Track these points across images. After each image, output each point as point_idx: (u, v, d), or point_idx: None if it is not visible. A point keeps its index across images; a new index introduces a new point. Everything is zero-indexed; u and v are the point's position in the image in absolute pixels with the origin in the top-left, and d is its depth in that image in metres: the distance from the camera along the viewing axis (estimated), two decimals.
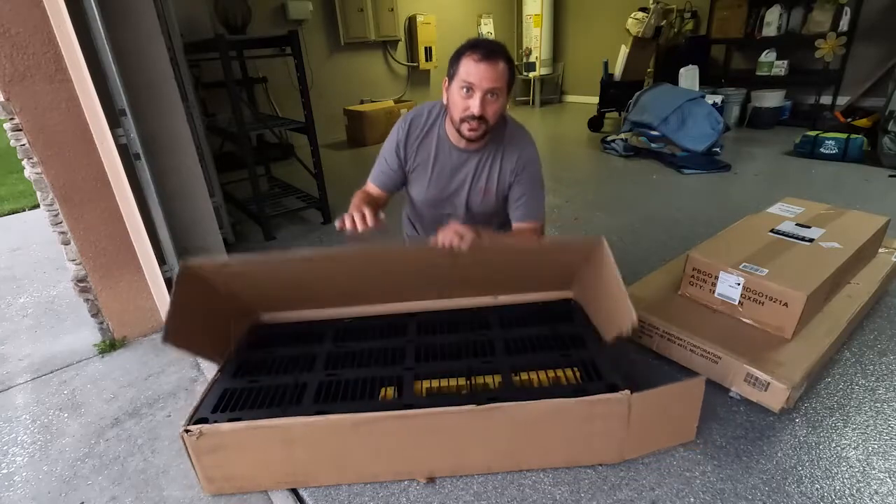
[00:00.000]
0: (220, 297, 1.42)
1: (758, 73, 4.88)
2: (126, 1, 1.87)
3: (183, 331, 1.25)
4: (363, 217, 1.20)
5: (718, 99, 4.33)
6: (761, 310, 1.50)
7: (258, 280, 1.45)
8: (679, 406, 1.25)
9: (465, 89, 1.22)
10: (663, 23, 5.19)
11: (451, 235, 1.19)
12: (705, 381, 1.21)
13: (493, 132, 1.34)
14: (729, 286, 1.56)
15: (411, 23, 5.96)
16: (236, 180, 3.56)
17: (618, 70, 5.20)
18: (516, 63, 7.22)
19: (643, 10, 5.15)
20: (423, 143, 1.39)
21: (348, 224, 1.20)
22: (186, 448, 1.16)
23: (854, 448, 1.26)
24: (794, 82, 4.77)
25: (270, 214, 2.97)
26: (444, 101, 1.33)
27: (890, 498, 1.12)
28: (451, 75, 1.28)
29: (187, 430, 1.14)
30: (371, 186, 1.46)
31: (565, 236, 1.44)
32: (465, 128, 1.27)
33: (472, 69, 1.20)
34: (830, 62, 4.47)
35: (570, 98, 7.40)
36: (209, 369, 1.72)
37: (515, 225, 1.45)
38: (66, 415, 1.61)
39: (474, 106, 1.22)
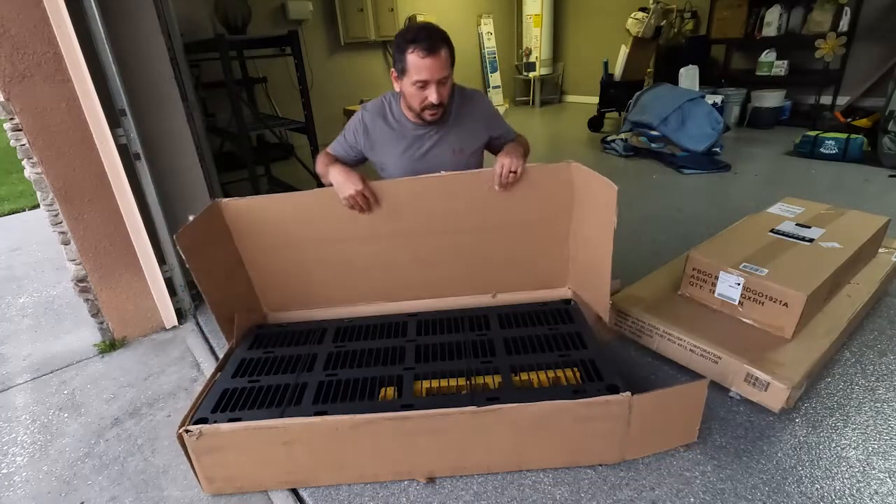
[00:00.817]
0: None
1: (758, 73, 4.88)
2: (126, 1, 1.87)
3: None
4: (368, 200, 1.43)
5: (718, 99, 4.32)
6: (761, 310, 1.50)
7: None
8: (681, 408, 1.25)
9: (419, 86, 1.35)
10: (663, 23, 5.19)
11: (510, 165, 1.41)
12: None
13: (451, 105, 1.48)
14: (729, 286, 1.56)
15: (411, 23, 5.96)
16: (236, 180, 3.56)
17: (618, 70, 5.20)
18: (516, 63, 7.25)
19: (643, 10, 5.15)
20: (380, 126, 1.53)
21: (358, 206, 1.42)
22: (185, 449, 1.16)
23: (854, 448, 1.26)
24: (794, 82, 4.77)
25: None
26: (398, 90, 1.45)
27: (890, 498, 1.12)
28: (399, 70, 1.37)
29: (187, 431, 1.14)
30: (326, 152, 1.60)
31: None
32: (426, 115, 1.41)
33: (421, 66, 1.31)
34: (830, 62, 4.47)
35: (570, 98, 7.40)
36: (209, 369, 1.72)
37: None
38: (66, 415, 1.61)
39: (431, 96, 1.34)
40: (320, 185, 3.17)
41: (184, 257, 1.34)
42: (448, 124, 1.52)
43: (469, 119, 1.53)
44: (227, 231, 1.53)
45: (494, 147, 1.62)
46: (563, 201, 1.55)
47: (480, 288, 1.70)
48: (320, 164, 1.56)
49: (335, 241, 1.58)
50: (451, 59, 1.36)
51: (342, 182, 1.43)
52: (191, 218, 1.38)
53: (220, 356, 1.52)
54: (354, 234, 1.55)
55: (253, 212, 1.53)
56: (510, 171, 1.43)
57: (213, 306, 1.45)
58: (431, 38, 1.29)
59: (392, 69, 1.42)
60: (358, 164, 1.61)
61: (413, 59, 1.30)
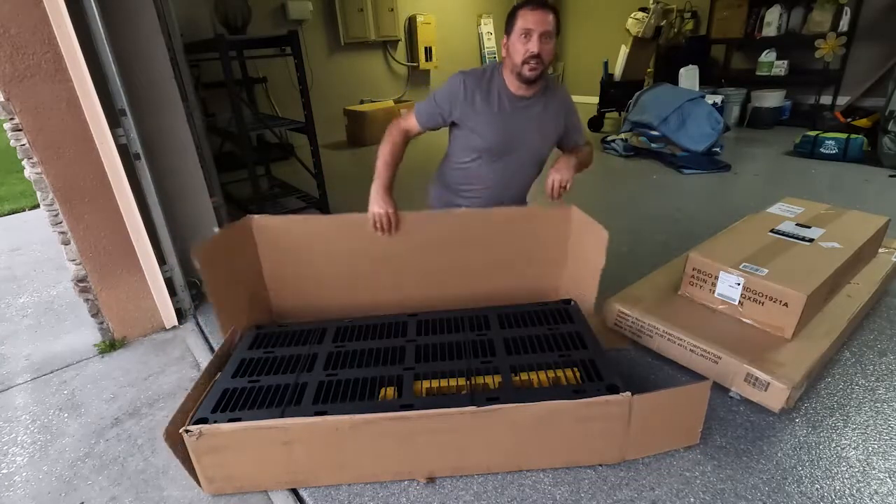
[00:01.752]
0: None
1: (758, 73, 4.88)
2: (126, 1, 1.87)
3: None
4: (389, 224, 1.58)
5: (718, 99, 4.32)
6: (761, 310, 1.50)
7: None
8: (683, 409, 1.25)
9: (524, 35, 1.44)
10: (663, 23, 5.19)
11: (557, 180, 1.56)
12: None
13: (543, 79, 1.56)
14: (729, 286, 1.56)
15: (411, 23, 5.96)
16: (236, 180, 3.56)
17: (618, 70, 5.20)
18: None
19: (643, 10, 5.15)
20: (484, 96, 1.56)
21: (379, 227, 1.58)
22: (175, 450, 1.16)
23: (854, 448, 1.26)
24: (794, 82, 4.77)
25: (271, 214, 2.96)
26: (504, 54, 1.54)
27: (890, 498, 1.12)
28: (508, 30, 1.51)
29: (187, 431, 1.14)
30: (412, 122, 1.63)
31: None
32: (526, 69, 1.47)
33: (528, 17, 1.44)
34: (830, 62, 4.47)
35: None
36: None
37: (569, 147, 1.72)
38: (66, 415, 1.61)
39: (533, 46, 1.44)
40: (320, 184, 3.16)
41: (199, 268, 1.46)
42: (541, 98, 1.60)
43: (554, 102, 1.62)
44: (252, 243, 1.67)
45: (564, 143, 1.72)
46: (561, 240, 1.72)
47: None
48: (386, 141, 1.61)
49: (350, 262, 1.72)
50: (556, 25, 1.49)
51: (376, 199, 1.58)
52: (216, 230, 1.52)
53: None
54: (369, 255, 1.70)
55: (279, 229, 1.69)
56: (560, 186, 1.57)
57: (219, 313, 1.55)
58: (540, 1, 1.47)
59: (504, 38, 1.54)
60: (434, 129, 1.66)
61: (522, 12, 1.45)
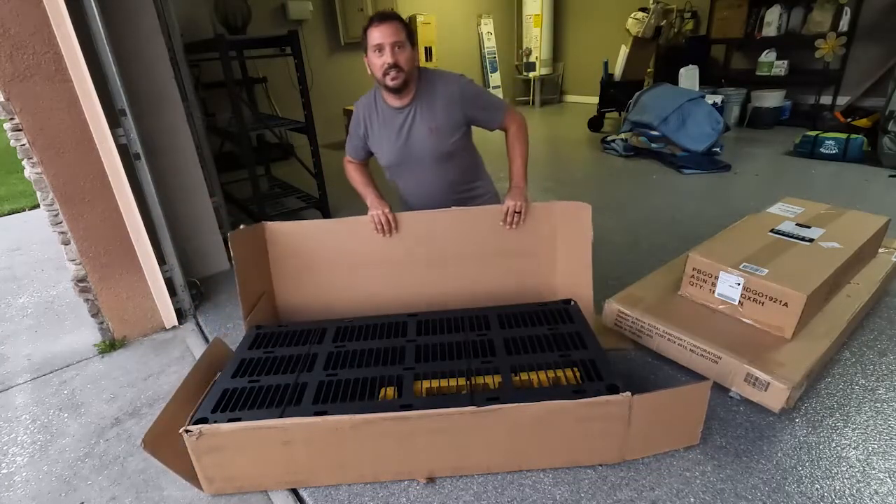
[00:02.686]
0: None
1: (758, 73, 4.88)
2: (126, 1, 1.87)
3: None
4: (389, 224, 1.68)
5: (718, 99, 4.32)
6: (761, 310, 1.50)
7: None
8: (683, 409, 1.25)
9: (377, 50, 1.52)
10: (663, 23, 5.19)
11: (511, 206, 1.64)
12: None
13: (415, 84, 1.62)
14: (729, 286, 1.56)
15: (411, 23, 5.95)
16: (236, 180, 3.56)
17: (618, 70, 5.20)
18: (516, 63, 7.25)
19: (643, 10, 5.15)
20: (373, 115, 1.69)
21: (379, 230, 1.69)
22: (158, 457, 1.15)
23: (854, 448, 1.26)
24: (794, 82, 4.77)
25: (270, 214, 2.97)
26: (371, 73, 1.61)
27: (890, 498, 1.12)
28: (364, 48, 1.58)
29: (187, 431, 1.14)
30: (347, 158, 1.82)
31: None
32: (388, 80, 1.53)
33: (376, 32, 1.51)
34: (830, 62, 4.47)
35: (570, 98, 7.39)
36: None
37: (496, 129, 1.75)
38: (66, 415, 1.61)
39: (387, 58, 1.51)
40: (320, 184, 3.17)
41: (231, 252, 1.60)
42: (419, 101, 1.63)
43: (441, 97, 1.63)
44: (264, 248, 1.77)
45: (484, 126, 1.74)
46: (548, 233, 1.75)
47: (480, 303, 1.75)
48: (349, 173, 1.82)
49: (352, 261, 1.79)
50: (406, 32, 1.54)
51: (373, 203, 1.70)
52: (242, 227, 1.66)
53: (227, 353, 1.53)
54: (371, 256, 1.77)
55: (289, 234, 1.77)
56: (514, 212, 1.66)
57: (244, 292, 1.64)
58: (383, 14, 1.54)
59: (364, 57, 1.61)
60: (368, 157, 1.82)
61: (370, 29, 1.53)
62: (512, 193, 1.68)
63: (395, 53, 1.51)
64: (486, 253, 1.77)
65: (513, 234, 1.73)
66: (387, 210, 1.68)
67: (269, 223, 1.76)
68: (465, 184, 1.81)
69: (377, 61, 1.53)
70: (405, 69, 1.53)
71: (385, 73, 1.53)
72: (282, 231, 1.76)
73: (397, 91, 1.58)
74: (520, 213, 1.66)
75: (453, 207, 1.74)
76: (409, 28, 1.56)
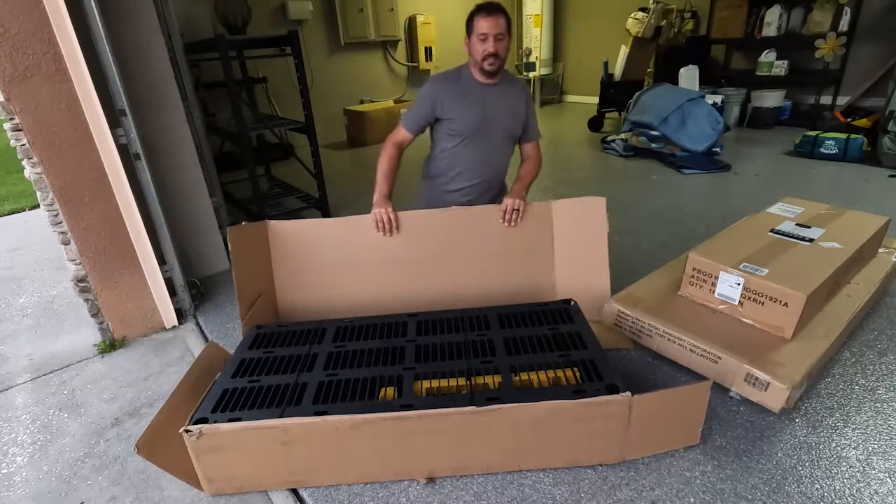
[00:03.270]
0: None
1: (758, 73, 4.88)
2: (126, 1, 1.87)
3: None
4: (390, 223, 1.75)
5: (718, 99, 4.32)
6: (761, 310, 1.50)
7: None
8: (683, 409, 1.25)
9: (481, 38, 1.70)
10: (663, 23, 5.19)
11: (510, 204, 1.75)
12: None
13: (501, 72, 1.81)
14: (729, 286, 1.56)
15: (411, 23, 5.96)
16: (236, 180, 3.56)
17: (618, 70, 5.20)
18: (516, 63, 7.24)
19: (643, 10, 5.15)
20: (456, 90, 1.82)
21: (381, 229, 1.75)
22: (152, 460, 1.15)
23: (854, 448, 1.26)
24: (794, 82, 4.77)
25: (270, 214, 2.97)
26: (468, 52, 1.79)
27: (890, 498, 1.12)
28: (469, 32, 1.75)
29: (187, 431, 1.14)
30: (403, 133, 1.85)
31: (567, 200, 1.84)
32: (486, 64, 1.73)
33: (483, 23, 1.69)
34: (830, 62, 4.47)
35: (570, 98, 7.39)
36: None
37: (526, 145, 1.96)
38: (66, 415, 1.61)
39: (489, 47, 1.70)
40: (320, 184, 3.16)
41: (230, 247, 1.63)
42: (502, 85, 1.83)
43: (515, 91, 1.87)
44: (266, 246, 1.79)
45: (522, 135, 1.93)
46: (546, 232, 1.83)
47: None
48: (384, 154, 1.82)
49: (353, 262, 1.83)
50: (508, 25, 1.71)
51: (378, 201, 1.76)
52: (244, 223, 1.71)
53: (223, 355, 1.53)
54: (372, 254, 1.81)
55: (292, 232, 1.81)
56: (514, 210, 1.76)
57: (241, 288, 1.65)
58: (492, 5, 1.70)
59: (465, 38, 1.78)
60: (421, 132, 1.90)
61: (478, 18, 1.70)
62: (511, 193, 1.80)
63: (496, 44, 1.69)
64: (489, 251, 1.82)
65: (517, 232, 1.80)
66: (389, 209, 1.74)
67: (272, 221, 1.78)
68: (504, 174, 2.01)
69: (479, 47, 1.71)
70: (502, 57, 1.73)
71: (484, 59, 1.71)
72: (283, 229, 1.78)
73: (491, 75, 1.77)
74: (518, 210, 1.76)
75: (453, 207, 1.83)
76: (509, 20, 1.73)
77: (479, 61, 1.74)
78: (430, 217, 1.80)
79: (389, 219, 1.74)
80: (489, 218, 1.79)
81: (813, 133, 3.77)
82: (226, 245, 2.49)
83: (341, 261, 1.81)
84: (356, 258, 1.81)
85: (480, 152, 1.88)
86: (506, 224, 1.78)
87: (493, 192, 1.99)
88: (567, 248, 1.82)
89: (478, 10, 1.71)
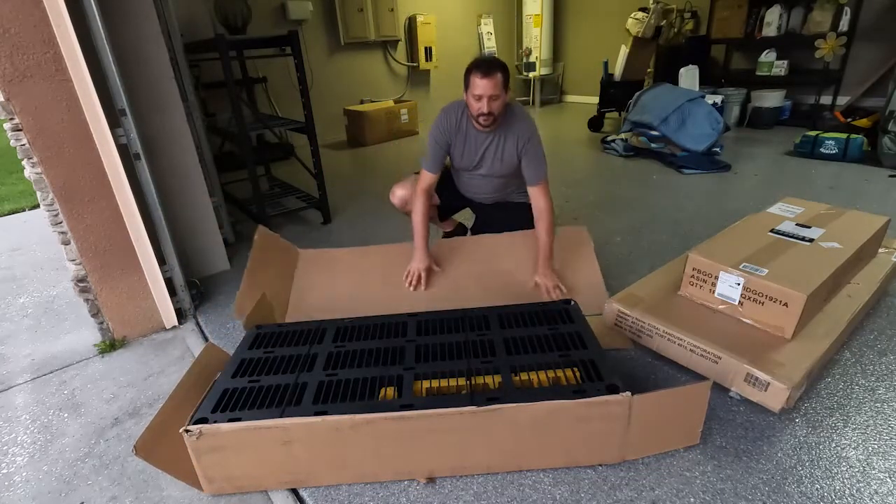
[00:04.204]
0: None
1: (758, 73, 4.88)
2: (126, 1, 1.87)
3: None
4: (420, 282, 1.96)
5: (718, 99, 4.32)
6: (761, 310, 1.50)
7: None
8: (683, 409, 1.25)
9: (476, 98, 1.76)
10: (663, 23, 5.18)
11: (551, 286, 1.90)
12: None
13: (499, 120, 1.87)
14: (729, 286, 1.56)
15: (411, 23, 5.96)
16: (236, 180, 3.56)
17: (618, 70, 5.20)
18: (516, 63, 7.24)
19: (643, 10, 5.15)
20: (457, 130, 1.94)
21: (410, 284, 1.97)
22: (150, 461, 1.15)
23: (854, 448, 1.26)
24: (794, 82, 4.77)
25: (270, 214, 2.97)
26: (465, 102, 1.86)
27: (890, 498, 1.13)
28: (465, 87, 1.81)
29: (187, 431, 1.14)
30: (427, 177, 1.99)
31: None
32: (480, 120, 1.82)
33: (478, 84, 1.73)
34: (830, 62, 4.47)
35: (570, 98, 7.39)
36: None
37: (529, 188, 1.97)
38: (66, 415, 1.61)
39: (483, 107, 1.77)
40: (320, 184, 3.17)
41: (254, 245, 1.83)
42: (497, 134, 1.91)
43: (512, 137, 1.90)
44: (290, 270, 2.02)
45: (524, 174, 1.96)
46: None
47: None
48: (418, 203, 1.98)
49: (365, 283, 2.01)
50: (504, 82, 1.76)
51: (419, 258, 1.98)
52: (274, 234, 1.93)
53: (222, 356, 1.53)
54: (387, 278, 2.00)
55: (320, 260, 2.06)
56: (555, 288, 1.89)
57: (246, 288, 1.76)
58: (489, 63, 1.74)
59: (464, 89, 1.83)
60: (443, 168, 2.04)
61: (473, 79, 1.74)
62: (542, 272, 1.92)
63: (490, 104, 1.75)
64: (491, 270, 2.02)
65: (518, 259, 2.02)
66: (424, 269, 1.95)
67: (303, 250, 2.05)
68: (511, 187, 2.11)
69: (474, 104, 1.78)
70: (495, 114, 1.80)
71: (479, 116, 1.80)
72: (314, 258, 2.05)
73: (485, 127, 1.85)
74: (559, 287, 1.89)
75: (473, 236, 2.16)
76: (507, 76, 1.77)
77: (474, 116, 1.81)
78: (449, 245, 2.07)
79: (420, 279, 1.93)
80: (500, 244, 2.05)
81: (813, 133, 3.77)
82: (226, 245, 2.50)
83: (356, 283, 2.00)
84: (371, 281, 1.99)
85: (474, 182, 2.06)
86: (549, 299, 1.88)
87: (508, 192, 2.12)
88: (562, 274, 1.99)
89: (475, 68, 1.74)
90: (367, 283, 2.01)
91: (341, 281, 2.03)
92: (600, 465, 1.24)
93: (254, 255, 1.86)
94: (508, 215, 2.11)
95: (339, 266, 2.09)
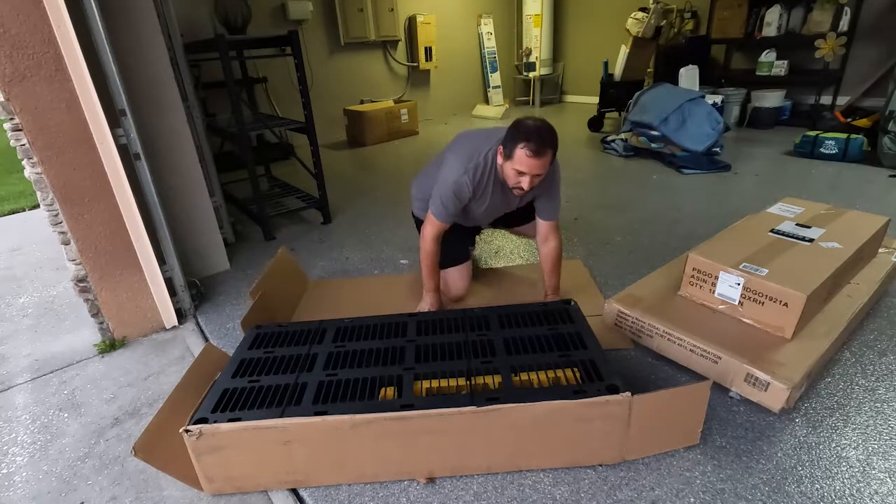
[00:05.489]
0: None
1: (758, 73, 4.88)
2: (126, 1, 1.87)
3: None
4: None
5: (718, 99, 4.32)
6: (761, 310, 1.50)
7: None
8: (683, 409, 1.25)
9: (518, 173, 1.57)
10: (663, 23, 5.19)
11: None
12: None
13: None
14: (729, 286, 1.56)
15: (411, 23, 5.96)
16: (236, 180, 3.56)
17: (618, 70, 5.20)
18: (516, 63, 7.25)
19: (643, 10, 5.14)
20: (484, 189, 1.76)
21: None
22: (149, 462, 1.15)
23: (854, 448, 1.26)
24: (794, 82, 4.77)
25: (270, 214, 2.97)
26: (499, 164, 1.67)
27: (890, 498, 1.12)
28: (506, 155, 1.59)
29: (187, 431, 1.14)
30: (439, 225, 1.79)
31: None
32: (515, 191, 1.66)
33: (525, 162, 1.53)
34: (830, 62, 4.47)
35: (570, 98, 7.39)
36: None
37: (541, 222, 1.87)
38: (66, 415, 1.61)
39: (524, 183, 1.59)
40: (320, 184, 3.16)
41: (275, 259, 2.01)
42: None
43: (532, 190, 1.73)
44: (298, 294, 2.14)
45: (536, 210, 1.88)
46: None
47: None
48: (428, 248, 1.81)
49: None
50: (552, 159, 1.61)
51: (428, 299, 1.88)
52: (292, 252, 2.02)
53: (221, 357, 1.53)
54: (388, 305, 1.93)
55: (329, 289, 2.22)
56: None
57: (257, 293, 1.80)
58: (543, 140, 1.52)
59: (500, 146, 1.63)
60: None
61: (521, 153, 1.53)
62: (551, 294, 1.90)
63: (532, 181, 1.58)
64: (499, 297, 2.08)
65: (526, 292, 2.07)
66: (437, 310, 1.85)
67: (313, 281, 2.22)
68: (511, 224, 2.11)
69: (513, 177, 1.60)
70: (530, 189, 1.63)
71: (514, 188, 1.64)
72: (323, 285, 2.19)
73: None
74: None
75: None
76: (556, 150, 1.60)
77: (509, 185, 1.65)
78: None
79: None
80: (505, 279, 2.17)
81: (813, 133, 3.77)
82: (226, 245, 2.50)
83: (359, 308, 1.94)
84: (374, 304, 2.00)
85: (486, 213, 1.90)
86: None
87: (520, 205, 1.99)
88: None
89: (526, 141, 1.51)
90: (370, 308, 1.98)
91: (344, 305, 2.07)
92: (600, 465, 1.24)
93: (268, 271, 1.93)
94: (510, 214, 2.10)
95: (344, 290, 2.20)
